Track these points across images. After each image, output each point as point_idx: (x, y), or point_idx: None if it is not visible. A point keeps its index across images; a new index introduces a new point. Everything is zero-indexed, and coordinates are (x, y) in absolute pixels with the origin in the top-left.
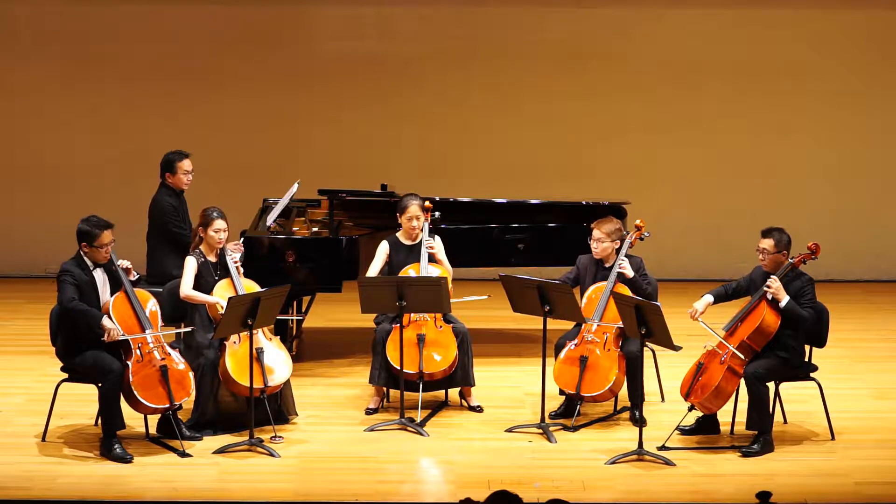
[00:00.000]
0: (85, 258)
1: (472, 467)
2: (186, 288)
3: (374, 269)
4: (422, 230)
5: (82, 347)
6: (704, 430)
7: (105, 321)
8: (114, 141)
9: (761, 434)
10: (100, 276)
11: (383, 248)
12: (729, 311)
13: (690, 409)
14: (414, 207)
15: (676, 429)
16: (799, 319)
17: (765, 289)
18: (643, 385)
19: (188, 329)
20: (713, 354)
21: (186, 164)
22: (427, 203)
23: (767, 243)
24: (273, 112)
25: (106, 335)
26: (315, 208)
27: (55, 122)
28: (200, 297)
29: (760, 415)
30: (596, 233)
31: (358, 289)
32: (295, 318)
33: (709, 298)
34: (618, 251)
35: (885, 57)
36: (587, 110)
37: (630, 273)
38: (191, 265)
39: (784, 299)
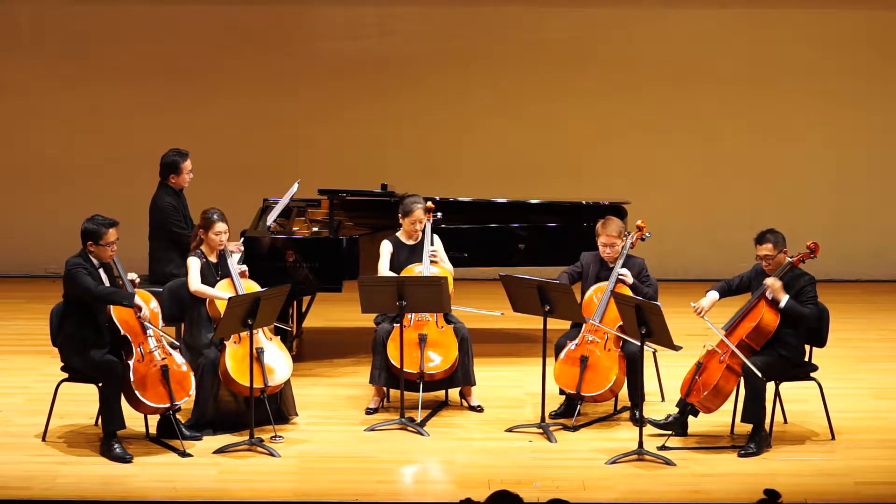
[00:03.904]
0: (90, 257)
1: (472, 467)
2: (195, 283)
3: (383, 267)
4: (423, 230)
5: (84, 346)
6: (674, 428)
7: (138, 300)
8: (114, 141)
9: (756, 431)
10: (103, 276)
11: (387, 247)
12: (728, 311)
13: (690, 408)
14: (419, 212)
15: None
16: (800, 317)
17: (765, 286)
18: (643, 385)
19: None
20: (712, 354)
21: (189, 164)
22: (429, 204)
23: (767, 248)
24: (273, 112)
25: (139, 313)
26: (315, 208)
27: (55, 122)
28: (211, 292)
29: (756, 408)
30: (605, 238)
31: (358, 289)
32: (290, 328)
33: (714, 295)
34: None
35: (885, 57)
36: (587, 110)
37: (630, 280)
38: (195, 263)
39: (783, 299)
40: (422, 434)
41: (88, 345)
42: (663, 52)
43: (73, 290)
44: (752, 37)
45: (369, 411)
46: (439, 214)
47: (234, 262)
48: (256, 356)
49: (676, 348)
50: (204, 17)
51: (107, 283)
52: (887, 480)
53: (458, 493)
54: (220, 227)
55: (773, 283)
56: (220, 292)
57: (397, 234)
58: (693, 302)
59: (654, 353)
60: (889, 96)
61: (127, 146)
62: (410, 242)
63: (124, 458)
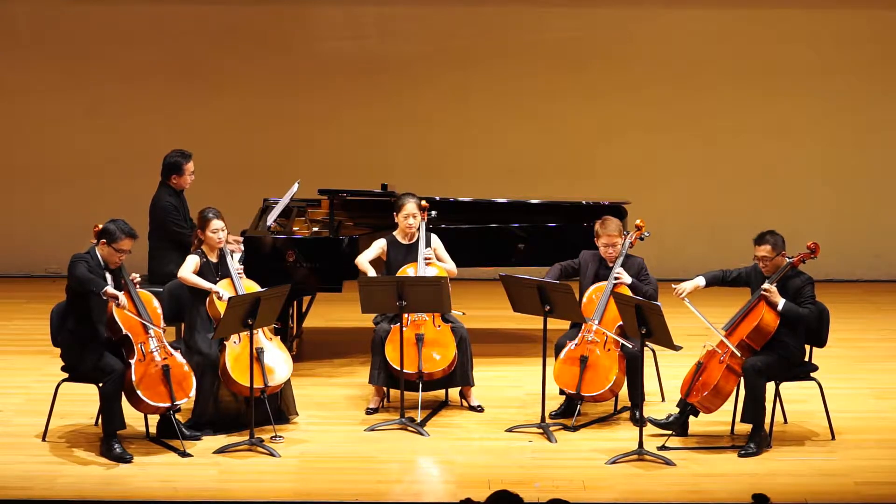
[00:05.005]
0: (98, 255)
1: (472, 467)
2: (185, 272)
3: (367, 255)
4: (418, 229)
5: (85, 345)
6: (674, 427)
7: (109, 288)
8: (114, 141)
9: (755, 430)
10: (108, 278)
11: (379, 243)
12: (729, 311)
13: (690, 408)
14: (410, 205)
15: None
16: (798, 319)
17: (761, 293)
18: (643, 385)
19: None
20: (712, 354)
21: (191, 165)
22: (423, 202)
23: (765, 250)
24: (273, 112)
25: (111, 302)
26: (315, 208)
27: (55, 122)
28: (196, 280)
29: (755, 407)
30: (605, 238)
31: (358, 289)
32: (280, 325)
33: (700, 281)
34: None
35: (885, 57)
36: (587, 110)
37: (628, 280)
38: (193, 259)
39: (780, 303)
40: (422, 434)
41: (89, 343)
42: (663, 52)
43: (68, 280)
44: (752, 37)
45: (369, 411)
46: (434, 213)
47: (235, 263)
48: (256, 356)
49: (676, 348)
50: (204, 17)
51: (109, 282)
52: (887, 480)
53: (458, 493)
54: (217, 224)
55: (768, 291)
56: (205, 281)
57: (394, 233)
58: (675, 284)
59: (653, 353)
60: (889, 96)
61: (127, 146)
62: (406, 242)
63: (124, 458)
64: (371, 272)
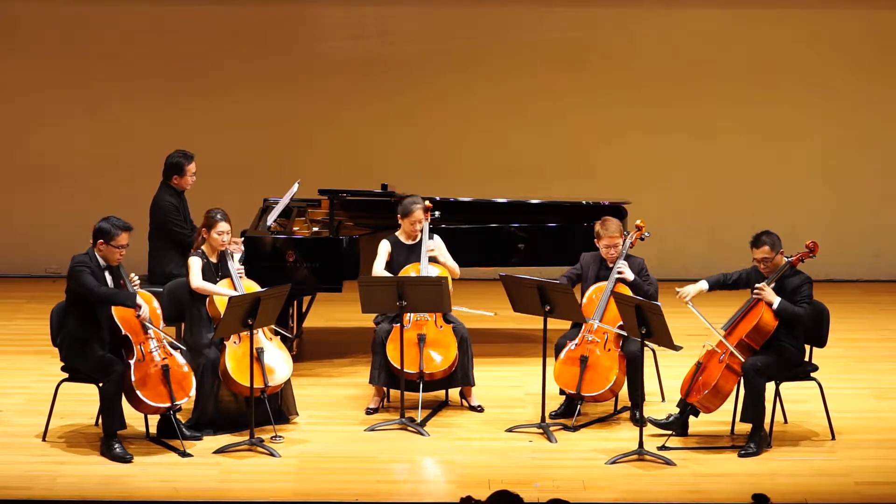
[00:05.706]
0: (98, 256)
1: (472, 467)
2: (197, 280)
3: (378, 266)
4: (421, 230)
5: (85, 345)
6: (674, 428)
7: (139, 299)
8: (114, 141)
9: (755, 430)
10: (108, 277)
11: (385, 247)
12: (729, 311)
13: (690, 408)
14: (418, 212)
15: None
16: (793, 318)
17: (754, 296)
18: (643, 385)
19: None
20: (712, 353)
21: (193, 166)
22: (427, 203)
23: (763, 251)
24: (273, 112)
25: (139, 312)
26: (315, 208)
27: (55, 122)
28: (213, 288)
29: (755, 407)
30: (607, 240)
31: (358, 289)
32: (290, 335)
33: (703, 286)
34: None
35: (885, 57)
36: (587, 110)
37: (630, 277)
38: (196, 262)
39: (775, 301)
40: (422, 434)
41: (89, 344)
42: (663, 52)
43: (75, 288)
44: (752, 37)
45: (369, 411)
46: (437, 213)
47: (235, 263)
48: (256, 356)
49: (676, 348)
50: (204, 17)
51: (110, 285)
52: (887, 480)
53: (458, 493)
54: (223, 227)
55: (760, 290)
56: (222, 289)
57: (397, 234)
58: (679, 287)
59: (654, 353)
60: (889, 96)
61: (127, 146)
62: (409, 242)
63: (125, 458)
64: None
